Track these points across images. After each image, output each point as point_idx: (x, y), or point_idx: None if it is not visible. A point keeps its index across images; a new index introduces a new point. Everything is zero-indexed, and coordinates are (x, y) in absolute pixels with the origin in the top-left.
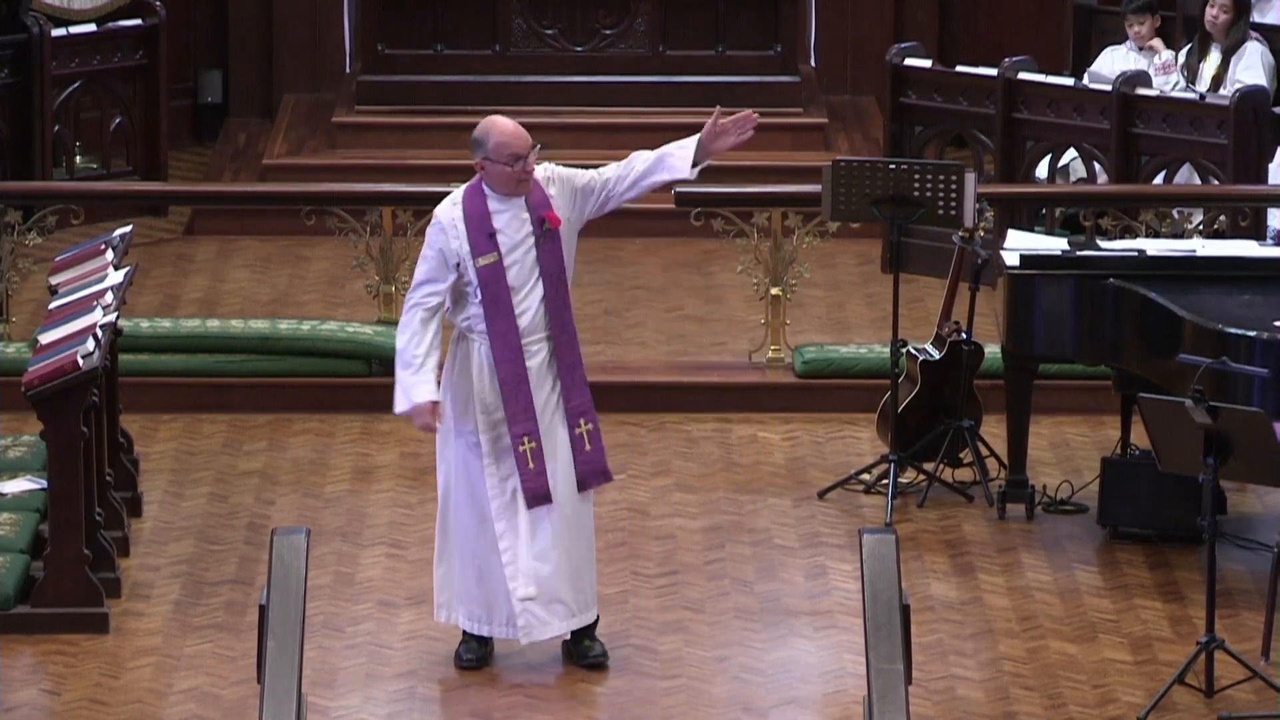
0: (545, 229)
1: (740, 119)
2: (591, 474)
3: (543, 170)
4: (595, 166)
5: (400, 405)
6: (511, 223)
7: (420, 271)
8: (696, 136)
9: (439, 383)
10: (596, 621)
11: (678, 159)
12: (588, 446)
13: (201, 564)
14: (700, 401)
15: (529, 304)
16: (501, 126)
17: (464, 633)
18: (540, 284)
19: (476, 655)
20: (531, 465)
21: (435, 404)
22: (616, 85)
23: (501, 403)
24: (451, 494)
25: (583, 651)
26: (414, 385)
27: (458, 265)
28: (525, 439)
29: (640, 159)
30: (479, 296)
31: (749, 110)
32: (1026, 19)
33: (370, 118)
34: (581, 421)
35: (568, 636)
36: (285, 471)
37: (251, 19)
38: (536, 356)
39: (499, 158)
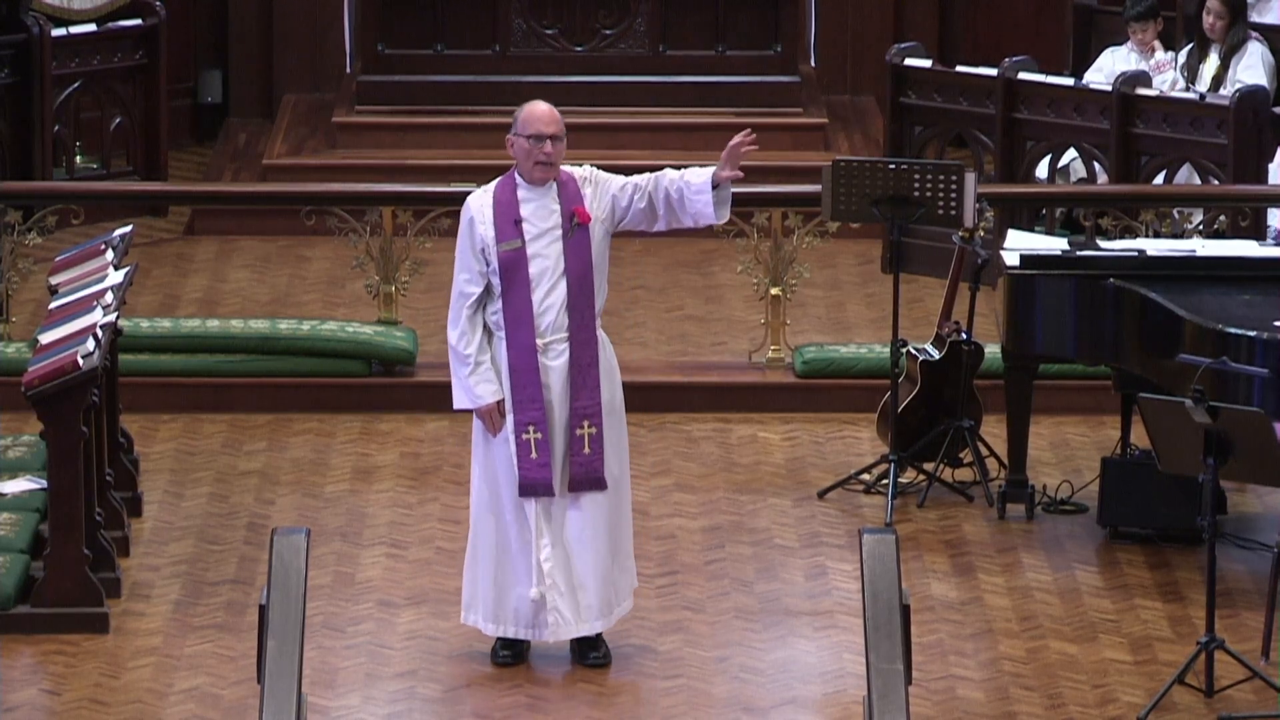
0: (574, 223)
1: (731, 151)
2: (585, 478)
3: (583, 170)
4: (594, 166)
5: (460, 402)
6: (538, 212)
7: (457, 261)
8: (711, 170)
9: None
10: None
11: (702, 202)
12: (586, 450)
13: (201, 564)
14: (700, 401)
15: (551, 301)
16: (535, 104)
17: None
18: (564, 282)
19: (512, 652)
20: (534, 455)
21: (500, 402)
22: (616, 85)
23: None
24: (483, 497)
25: (584, 652)
26: (476, 384)
27: (483, 251)
28: (530, 428)
29: (667, 173)
30: (500, 287)
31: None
32: (1026, 19)
33: (370, 118)
34: (585, 423)
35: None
36: (285, 471)
37: (251, 19)
38: (559, 358)
39: (523, 131)
